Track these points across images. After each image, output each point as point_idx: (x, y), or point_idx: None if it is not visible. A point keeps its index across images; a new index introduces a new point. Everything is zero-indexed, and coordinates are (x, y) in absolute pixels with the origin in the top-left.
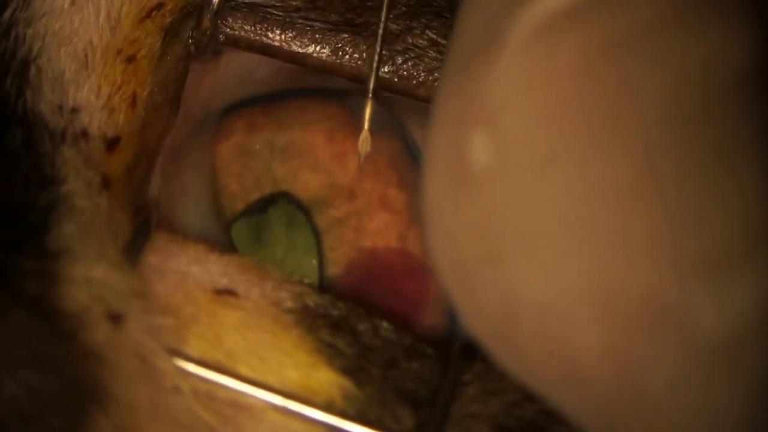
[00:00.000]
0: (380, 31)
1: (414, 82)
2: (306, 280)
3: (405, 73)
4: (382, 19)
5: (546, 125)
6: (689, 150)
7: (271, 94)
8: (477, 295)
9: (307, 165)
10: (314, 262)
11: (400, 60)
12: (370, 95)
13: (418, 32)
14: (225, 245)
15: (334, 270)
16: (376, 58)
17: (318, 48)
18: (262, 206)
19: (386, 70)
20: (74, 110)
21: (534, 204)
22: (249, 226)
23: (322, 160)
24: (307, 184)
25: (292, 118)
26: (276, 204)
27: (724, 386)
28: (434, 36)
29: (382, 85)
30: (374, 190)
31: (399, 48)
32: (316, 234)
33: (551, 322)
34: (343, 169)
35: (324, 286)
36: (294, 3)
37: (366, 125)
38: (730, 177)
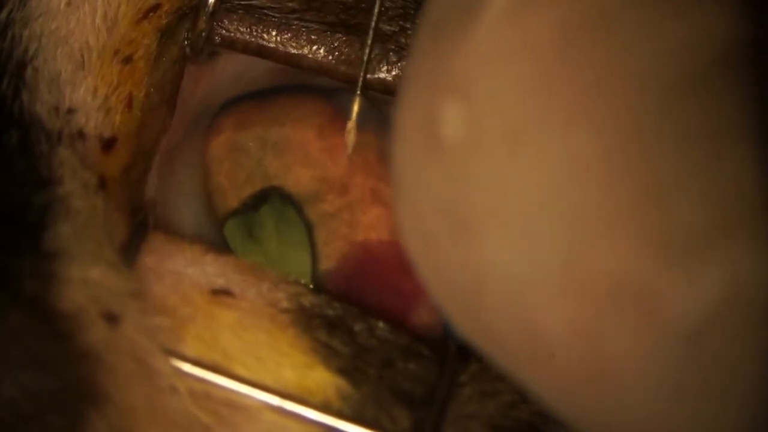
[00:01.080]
0: (370, 31)
1: None
2: (302, 280)
3: (398, 72)
4: (373, 18)
5: (520, 97)
6: (667, 127)
7: (263, 91)
8: (445, 269)
9: (299, 160)
10: (307, 256)
11: (394, 59)
12: (359, 92)
13: (412, 33)
14: (220, 244)
15: (327, 264)
16: (365, 57)
17: (314, 49)
18: (255, 204)
19: (382, 69)
20: (70, 111)
21: (505, 176)
22: (242, 223)
23: (313, 154)
24: (299, 178)
25: (284, 114)
26: (268, 200)
27: (689, 371)
28: None
29: (375, 84)
30: (365, 184)
31: (392, 47)
32: (309, 228)
33: (520, 298)
34: (335, 163)
35: (317, 281)
36: (290, 5)
37: (353, 116)
38: (708, 158)
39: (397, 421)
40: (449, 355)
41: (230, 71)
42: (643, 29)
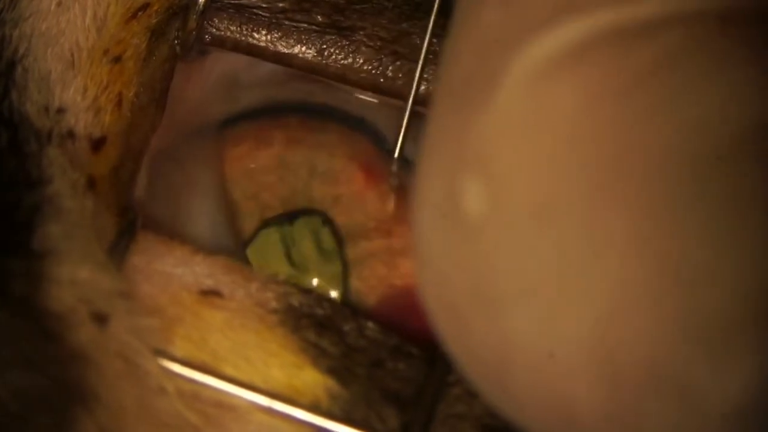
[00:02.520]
0: (419, 66)
1: None
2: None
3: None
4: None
5: (543, 171)
6: (696, 204)
7: (296, 105)
8: (470, 338)
9: (349, 193)
10: (339, 286)
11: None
12: (402, 135)
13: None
14: (233, 248)
15: (360, 299)
16: (410, 98)
17: (303, 49)
18: (291, 217)
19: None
20: (60, 110)
21: (530, 252)
22: (276, 236)
23: (363, 193)
24: (344, 210)
25: (334, 144)
26: (308, 219)
27: None
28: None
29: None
30: (409, 234)
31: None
32: (345, 263)
33: (548, 374)
34: (382, 206)
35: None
36: (280, 4)
37: (394, 167)
38: (739, 234)
39: (387, 421)
40: (438, 356)
41: (221, 72)
42: (668, 101)
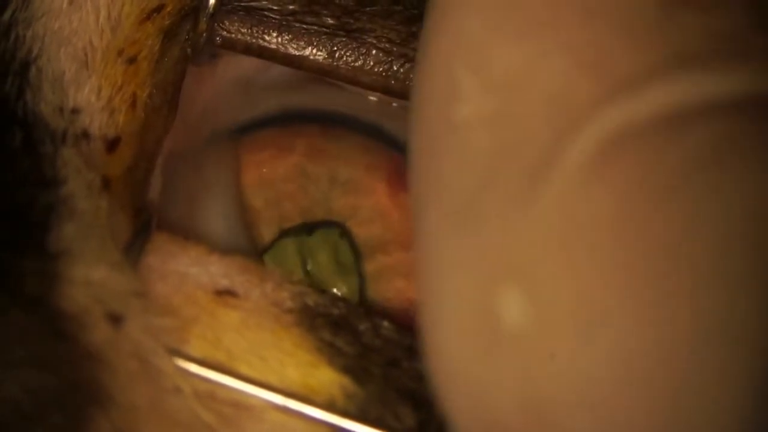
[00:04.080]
0: None
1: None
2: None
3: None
4: None
5: (588, 279)
6: (756, 307)
7: (312, 113)
8: None
9: (369, 205)
10: (355, 295)
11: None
12: None
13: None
14: (245, 249)
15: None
16: None
17: (314, 51)
18: (310, 228)
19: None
20: (75, 111)
21: (585, 362)
22: (294, 246)
23: (382, 205)
24: (364, 222)
25: (355, 154)
26: (326, 231)
27: None
28: None
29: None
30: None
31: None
32: (362, 276)
33: None
34: (403, 219)
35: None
36: (290, 6)
37: None
38: None
39: (403, 420)
40: None
41: (233, 76)
42: (712, 195)
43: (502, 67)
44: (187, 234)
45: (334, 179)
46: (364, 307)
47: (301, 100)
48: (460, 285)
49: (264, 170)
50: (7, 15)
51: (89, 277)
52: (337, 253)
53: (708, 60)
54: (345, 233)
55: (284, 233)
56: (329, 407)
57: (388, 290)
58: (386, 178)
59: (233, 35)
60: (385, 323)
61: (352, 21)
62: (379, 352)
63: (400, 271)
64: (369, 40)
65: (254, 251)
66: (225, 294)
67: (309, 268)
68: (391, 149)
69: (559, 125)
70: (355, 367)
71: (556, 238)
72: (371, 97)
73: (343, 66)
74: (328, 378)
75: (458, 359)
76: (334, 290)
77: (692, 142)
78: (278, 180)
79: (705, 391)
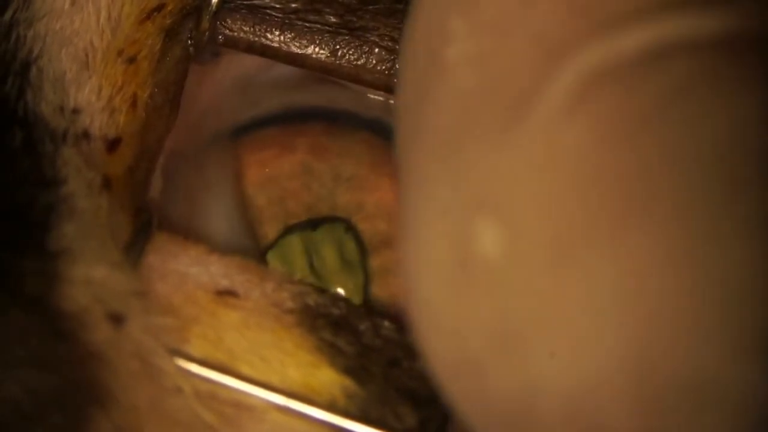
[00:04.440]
0: None
1: None
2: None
3: None
4: None
5: (562, 208)
6: (730, 222)
7: (313, 111)
8: (489, 391)
9: (373, 201)
10: (360, 296)
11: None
12: None
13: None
14: (248, 250)
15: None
16: None
17: (317, 49)
18: (314, 224)
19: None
20: (75, 111)
21: (558, 290)
22: (299, 243)
23: (387, 200)
24: (369, 218)
25: (359, 151)
26: (331, 226)
27: None
28: None
29: None
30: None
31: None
32: (367, 273)
33: (581, 411)
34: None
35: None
36: (293, 5)
37: None
38: None
39: (403, 420)
40: None
41: (235, 75)
42: (686, 125)
43: (490, 10)
44: (189, 234)
45: (339, 176)
46: (365, 306)
47: (303, 98)
48: (438, 221)
49: (267, 169)
50: (8, 15)
51: (90, 276)
52: (343, 248)
53: (688, 1)
54: (350, 228)
55: (289, 230)
56: (330, 407)
57: (392, 286)
58: (391, 174)
59: (236, 33)
60: (386, 323)
61: (354, 19)
62: (380, 352)
63: None
64: (371, 38)
65: (258, 249)
66: (225, 294)
67: (315, 265)
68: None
69: (541, 63)
70: (355, 367)
71: (534, 171)
72: (372, 95)
73: (345, 64)
74: (328, 378)
75: (435, 302)
76: (339, 286)
77: (669, 77)
78: (282, 178)
79: (678, 316)
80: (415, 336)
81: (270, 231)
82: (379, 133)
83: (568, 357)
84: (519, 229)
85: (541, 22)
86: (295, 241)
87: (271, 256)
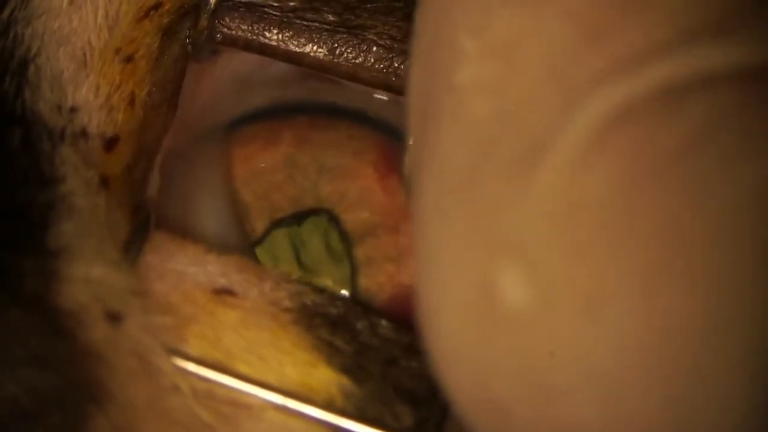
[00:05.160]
0: None
1: None
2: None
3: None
4: None
5: (592, 258)
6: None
7: (300, 105)
8: (515, 429)
9: (356, 190)
10: (348, 287)
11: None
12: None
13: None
14: (237, 245)
15: (370, 298)
16: None
17: (315, 48)
18: (300, 218)
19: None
20: (73, 109)
21: (588, 339)
22: (285, 237)
23: (370, 189)
24: (351, 208)
25: (342, 141)
26: (315, 219)
27: None
28: None
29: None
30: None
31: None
32: (353, 263)
33: None
34: (390, 202)
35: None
36: (291, 3)
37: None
38: None
39: (401, 419)
40: None
41: (233, 72)
42: (714, 168)
43: (501, 32)
44: (184, 232)
45: (322, 167)
46: (362, 305)
47: (291, 93)
48: (458, 257)
49: (252, 163)
50: (6, 13)
51: (88, 275)
52: (328, 239)
53: (709, 32)
54: (333, 218)
55: (275, 224)
56: (327, 406)
57: (379, 275)
58: (374, 162)
59: (234, 32)
60: (383, 322)
61: (353, 17)
62: (377, 351)
63: (389, 256)
64: (370, 36)
65: (247, 245)
66: (223, 293)
67: (302, 258)
68: (378, 133)
69: (560, 99)
70: (353, 366)
71: (557, 217)
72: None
73: (343, 63)
74: (326, 377)
75: (457, 340)
76: (327, 278)
77: (694, 115)
78: (267, 171)
79: (713, 374)
80: (433, 365)
81: (258, 226)
82: (361, 121)
83: (604, 404)
84: (548, 279)
85: (553, 50)
86: (281, 237)
87: (259, 252)
